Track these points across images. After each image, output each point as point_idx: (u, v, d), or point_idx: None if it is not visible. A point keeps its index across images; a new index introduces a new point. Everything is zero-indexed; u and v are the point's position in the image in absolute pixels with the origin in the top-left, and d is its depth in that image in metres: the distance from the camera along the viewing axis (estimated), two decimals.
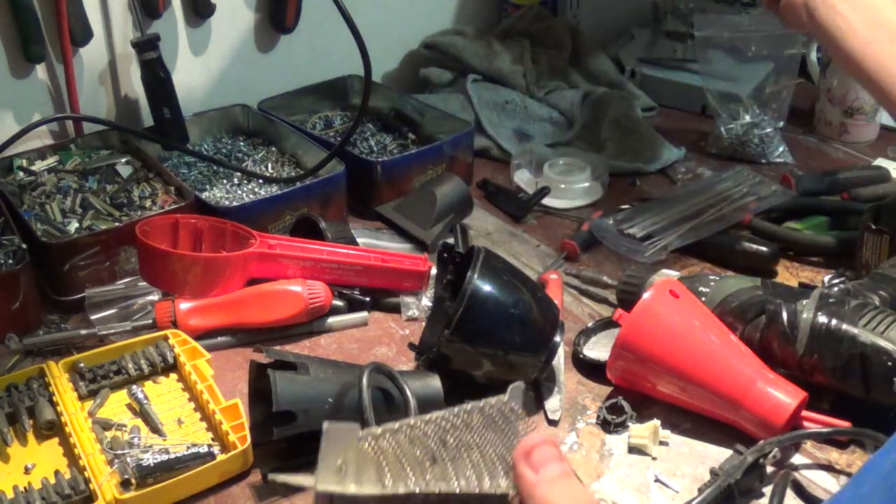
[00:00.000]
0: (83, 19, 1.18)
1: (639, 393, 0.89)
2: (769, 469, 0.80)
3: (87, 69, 1.23)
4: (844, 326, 0.84)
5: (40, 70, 1.20)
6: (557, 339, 0.88)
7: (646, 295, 0.87)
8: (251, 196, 1.18)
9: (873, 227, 1.01)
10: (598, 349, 0.97)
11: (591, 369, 0.94)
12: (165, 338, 0.94)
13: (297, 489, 0.81)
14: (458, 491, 0.56)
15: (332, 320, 1.01)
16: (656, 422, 0.85)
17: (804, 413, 0.84)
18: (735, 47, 1.38)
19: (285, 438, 0.79)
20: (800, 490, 0.79)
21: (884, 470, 0.42)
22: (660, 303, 0.87)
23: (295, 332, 1.00)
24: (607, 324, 1.00)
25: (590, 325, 1.00)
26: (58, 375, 0.88)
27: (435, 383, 0.85)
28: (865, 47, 0.83)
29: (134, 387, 0.90)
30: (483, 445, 0.58)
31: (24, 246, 0.99)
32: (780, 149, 1.37)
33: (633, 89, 1.50)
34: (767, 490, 0.78)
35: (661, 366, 0.85)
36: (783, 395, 0.82)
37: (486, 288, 0.85)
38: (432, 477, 0.56)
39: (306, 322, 1.00)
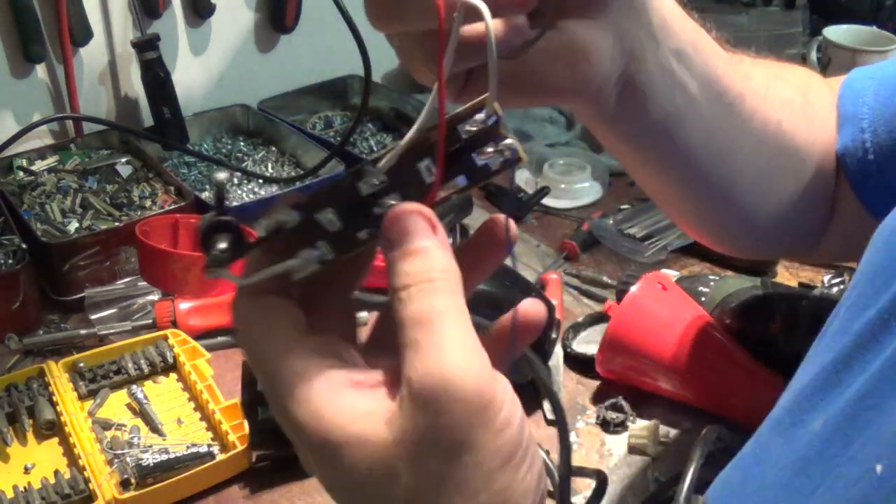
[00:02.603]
0: (83, 19, 1.18)
1: (637, 391, 0.89)
2: None
3: (87, 69, 1.23)
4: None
5: (40, 70, 1.19)
6: (553, 337, 0.88)
7: (634, 287, 0.88)
8: (251, 196, 1.18)
9: None
10: (588, 344, 0.97)
11: (588, 367, 0.94)
12: (165, 338, 0.94)
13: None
14: None
15: None
16: (656, 422, 0.85)
17: None
18: (735, 47, 1.38)
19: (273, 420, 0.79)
20: None
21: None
22: (649, 295, 0.87)
23: None
24: (597, 318, 1.00)
25: (580, 319, 1.00)
26: (58, 375, 0.88)
27: None
28: None
29: (134, 387, 0.90)
30: None
31: (24, 246, 0.99)
32: None
33: None
34: None
35: (651, 357, 0.86)
36: (773, 389, 0.82)
37: (481, 287, 0.85)
38: None
39: None
